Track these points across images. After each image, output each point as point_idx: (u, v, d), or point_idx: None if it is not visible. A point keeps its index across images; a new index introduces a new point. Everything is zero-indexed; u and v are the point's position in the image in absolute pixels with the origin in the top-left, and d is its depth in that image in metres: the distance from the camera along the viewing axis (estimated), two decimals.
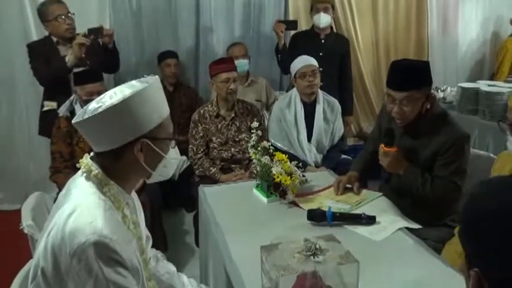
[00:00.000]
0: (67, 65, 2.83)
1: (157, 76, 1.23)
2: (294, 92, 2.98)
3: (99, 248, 1.02)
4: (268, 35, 4.04)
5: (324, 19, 3.50)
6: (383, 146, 1.95)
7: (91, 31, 2.91)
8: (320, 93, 2.96)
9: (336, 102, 3.05)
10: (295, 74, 2.91)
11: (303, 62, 2.87)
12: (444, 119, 1.96)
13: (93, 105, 1.14)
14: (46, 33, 3.08)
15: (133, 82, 1.21)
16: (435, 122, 1.94)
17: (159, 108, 1.19)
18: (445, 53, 4.79)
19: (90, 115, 1.09)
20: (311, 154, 2.93)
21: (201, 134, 2.85)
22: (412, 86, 1.84)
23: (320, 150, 2.98)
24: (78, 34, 2.92)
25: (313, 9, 3.55)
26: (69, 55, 2.84)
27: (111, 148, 1.14)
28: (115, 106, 1.09)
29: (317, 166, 2.91)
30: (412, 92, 1.84)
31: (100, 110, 1.09)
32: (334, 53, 3.56)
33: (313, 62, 2.88)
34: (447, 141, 1.88)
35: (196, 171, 2.88)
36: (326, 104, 2.99)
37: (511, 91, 3.24)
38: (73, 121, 1.14)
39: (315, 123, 2.94)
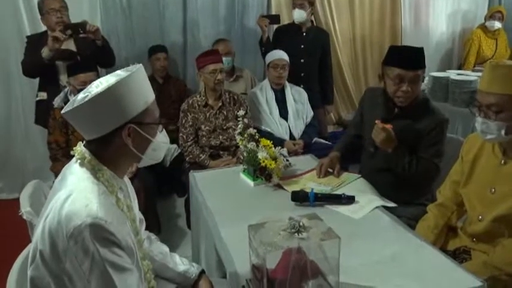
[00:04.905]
0: (42, 56, 2.75)
1: (141, 64, 1.20)
2: (266, 81, 3.22)
3: (94, 229, 1.01)
4: (252, 30, 3.99)
5: (297, 14, 3.47)
6: (380, 121, 1.89)
7: (68, 26, 2.82)
8: (287, 83, 3.20)
9: (302, 90, 3.27)
10: (268, 64, 3.11)
11: (278, 55, 3.10)
12: (427, 104, 1.98)
13: (80, 96, 1.12)
14: (40, 28, 3.02)
15: (118, 71, 1.18)
16: (420, 106, 1.96)
17: (144, 95, 1.17)
18: (417, 44, 4.74)
19: (77, 104, 1.08)
20: (282, 127, 3.11)
21: (191, 123, 2.83)
22: (421, 65, 1.91)
23: (298, 126, 3.17)
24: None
25: (292, 5, 3.54)
26: (44, 48, 2.77)
27: (100, 135, 1.12)
28: (100, 94, 1.07)
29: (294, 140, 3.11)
30: (420, 72, 1.90)
31: (87, 99, 1.07)
32: (314, 46, 3.55)
33: (285, 57, 3.09)
34: (430, 124, 1.91)
35: (187, 158, 2.86)
36: (293, 89, 3.23)
37: (477, 79, 3.28)
38: (62, 111, 1.12)
39: (287, 104, 3.16)
